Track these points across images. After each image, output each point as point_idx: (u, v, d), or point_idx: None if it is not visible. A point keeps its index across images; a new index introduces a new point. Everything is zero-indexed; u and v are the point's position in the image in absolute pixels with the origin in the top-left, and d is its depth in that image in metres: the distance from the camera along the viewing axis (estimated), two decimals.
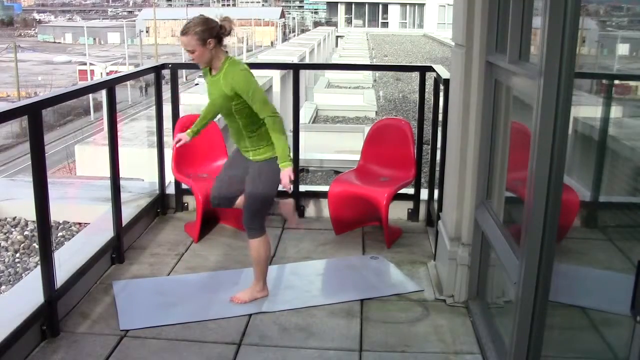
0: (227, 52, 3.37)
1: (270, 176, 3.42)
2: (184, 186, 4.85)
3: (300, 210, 4.95)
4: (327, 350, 3.17)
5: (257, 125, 3.38)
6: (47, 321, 3.16)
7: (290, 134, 4.80)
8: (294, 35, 62.47)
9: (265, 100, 3.30)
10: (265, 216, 3.56)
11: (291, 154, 3.43)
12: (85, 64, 44.76)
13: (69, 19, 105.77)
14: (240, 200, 3.62)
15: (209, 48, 3.24)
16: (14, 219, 5.43)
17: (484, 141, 3.37)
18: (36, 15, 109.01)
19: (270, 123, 3.29)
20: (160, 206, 4.93)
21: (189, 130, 3.65)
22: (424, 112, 4.86)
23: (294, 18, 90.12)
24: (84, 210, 5.21)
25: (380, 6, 61.74)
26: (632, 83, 2.79)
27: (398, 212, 4.83)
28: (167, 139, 4.94)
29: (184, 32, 3.23)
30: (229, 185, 3.62)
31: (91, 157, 8.54)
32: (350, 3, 62.45)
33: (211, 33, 3.23)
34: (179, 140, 3.63)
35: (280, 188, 3.46)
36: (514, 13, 2.91)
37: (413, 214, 4.91)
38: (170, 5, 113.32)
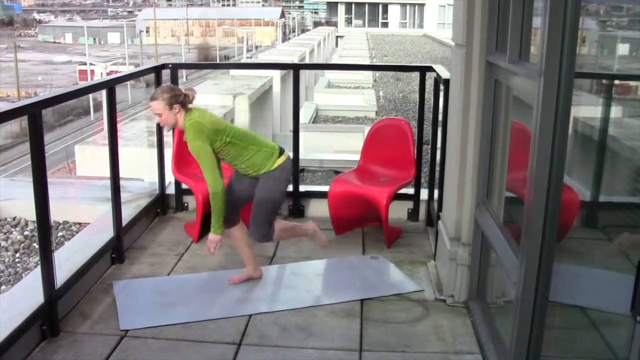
0: (189, 115, 3.53)
1: (280, 183, 3.65)
2: (184, 186, 4.85)
3: (300, 210, 4.95)
4: (327, 350, 3.17)
5: (247, 155, 3.58)
6: (47, 321, 3.16)
7: (290, 134, 4.80)
8: (294, 35, 62.48)
9: (208, 170, 3.52)
10: (272, 224, 3.72)
11: (221, 226, 3.59)
12: (85, 64, 44.76)
13: (69, 19, 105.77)
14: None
15: (174, 112, 3.51)
16: (14, 219, 5.43)
17: (484, 141, 3.37)
18: (36, 15, 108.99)
19: (211, 192, 3.53)
20: (160, 206, 4.93)
21: (214, 228, 3.60)
22: (424, 112, 4.86)
23: (294, 18, 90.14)
24: (84, 210, 5.21)
25: (380, 6, 61.73)
26: (632, 83, 2.79)
27: (398, 212, 4.83)
28: (167, 139, 4.95)
29: (153, 98, 3.54)
30: (239, 202, 3.78)
31: (91, 157, 8.54)
32: (350, 3, 62.43)
33: (177, 99, 3.51)
34: (216, 247, 3.64)
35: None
36: (514, 13, 2.91)
37: (413, 214, 4.91)
38: (170, 5, 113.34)
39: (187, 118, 3.52)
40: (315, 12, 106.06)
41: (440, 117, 4.31)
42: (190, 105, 3.56)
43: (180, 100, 3.51)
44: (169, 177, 4.93)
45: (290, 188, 5.06)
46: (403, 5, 61.45)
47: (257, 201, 3.65)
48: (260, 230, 3.68)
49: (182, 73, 27.95)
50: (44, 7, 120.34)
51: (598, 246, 2.68)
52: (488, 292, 3.45)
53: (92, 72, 41.93)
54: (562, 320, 2.72)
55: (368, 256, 4.28)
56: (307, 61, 23.12)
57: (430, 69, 4.82)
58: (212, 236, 3.60)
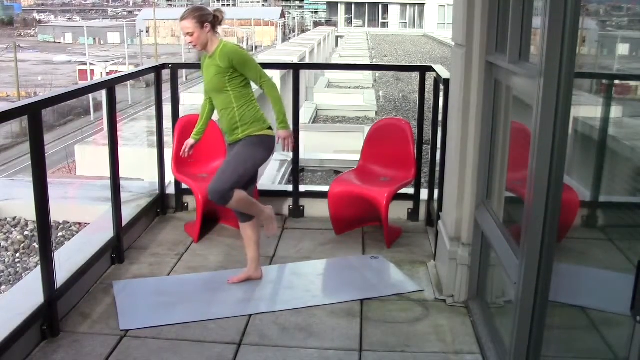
0: (220, 38, 3.64)
1: (258, 151, 3.65)
2: (184, 186, 4.85)
3: (300, 210, 4.95)
4: (327, 350, 3.17)
5: (246, 99, 3.62)
6: (47, 321, 3.16)
7: None
8: (294, 35, 62.48)
9: (260, 68, 3.61)
10: (234, 188, 3.63)
11: (286, 120, 3.63)
12: (85, 64, 44.76)
13: (69, 19, 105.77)
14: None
15: (205, 31, 3.55)
16: (14, 219, 5.43)
17: (484, 141, 3.37)
18: (36, 15, 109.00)
19: (268, 89, 3.60)
20: (160, 206, 4.93)
21: (193, 134, 3.84)
22: (424, 112, 4.86)
23: (294, 18, 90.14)
24: (84, 210, 5.21)
25: (380, 6, 61.75)
26: (632, 83, 2.79)
27: (398, 212, 4.83)
28: (167, 138, 4.95)
29: (183, 17, 3.55)
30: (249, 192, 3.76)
31: (91, 157, 8.55)
32: (350, 3, 62.45)
33: (207, 18, 3.55)
34: (189, 147, 3.82)
35: (284, 154, 3.64)
36: (514, 13, 2.91)
37: (413, 214, 4.91)
38: (170, 5, 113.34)
39: (223, 42, 3.58)
40: (315, 12, 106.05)
41: (440, 117, 4.31)
42: (219, 26, 3.59)
43: (211, 20, 3.54)
44: (169, 177, 4.93)
45: (290, 188, 5.08)
46: (403, 5, 61.47)
47: (229, 160, 3.65)
48: (220, 188, 3.56)
49: (182, 73, 27.92)
50: (44, 7, 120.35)
51: (598, 246, 2.68)
52: (488, 292, 3.45)
53: (92, 72, 41.95)
54: (562, 320, 2.72)
55: (368, 256, 4.28)
56: (307, 61, 23.13)
57: (430, 69, 4.82)
58: (283, 132, 3.62)
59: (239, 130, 3.64)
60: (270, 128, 3.70)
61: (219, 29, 3.65)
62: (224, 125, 3.71)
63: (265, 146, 3.67)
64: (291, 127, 3.70)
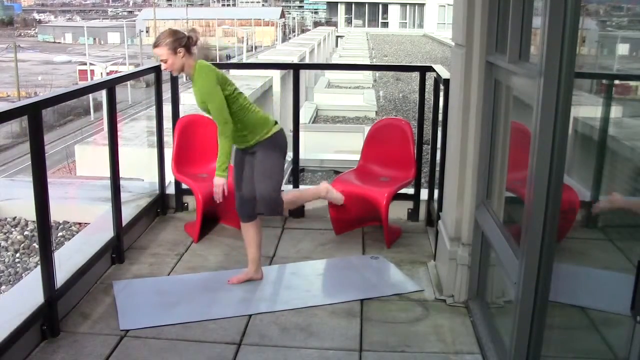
0: (195, 60, 3.57)
1: (278, 149, 3.67)
2: (184, 186, 4.85)
3: (300, 210, 4.95)
4: (327, 350, 3.17)
5: (243, 110, 3.59)
6: (47, 321, 3.16)
7: (290, 134, 4.80)
8: (294, 35, 62.47)
9: (222, 108, 3.49)
10: (279, 194, 3.73)
11: (226, 170, 3.55)
12: (85, 64, 44.75)
13: (69, 19, 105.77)
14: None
15: (179, 56, 3.50)
16: (14, 219, 5.43)
17: (484, 141, 3.37)
18: (36, 15, 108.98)
19: (219, 130, 3.51)
20: (160, 206, 4.93)
21: (218, 171, 3.56)
22: (424, 112, 4.86)
23: (294, 18, 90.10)
24: (84, 210, 5.21)
25: (380, 6, 61.74)
26: (632, 83, 2.79)
27: (398, 212, 4.83)
28: (167, 139, 4.95)
29: (156, 45, 3.52)
30: (249, 190, 3.75)
31: (91, 157, 8.54)
32: (350, 3, 62.44)
33: (180, 43, 3.49)
34: (222, 191, 3.58)
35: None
36: (514, 13, 2.91)
37: (413, 214, 4.91)
38: (170, 5, 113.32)
39: (196, 67, 3.51)
40: (315, 12, 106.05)
41: (440, 117, 4.31)
42: (195, 47, 3.55)
43: (184, 44, 3.49)
44: (169, 177, 4.93)
45: (290, 188, 5.08)
46: (403, 5, 61.46)
47: (259, 174, 3.63)
48: (270, 203, 3.64)
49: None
50: (44, 7, 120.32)
51: (598, 246, 2.68)
52: (488, 292, 3.45)
53: (92, 72, 41.94)
54: (562, 320, 2.72)
55: (368, 256, 4.28)
56: (307, 61, 23.12)
57: (430, 69, 4.82)
58: (216, 180, 3.54)
59: (247, 138, 3.63)
60: (276, 122, 3.70)
61: (195, 49, 3.58)
62: (233, 136, 3.67)
63: (280, 143, 3.68)
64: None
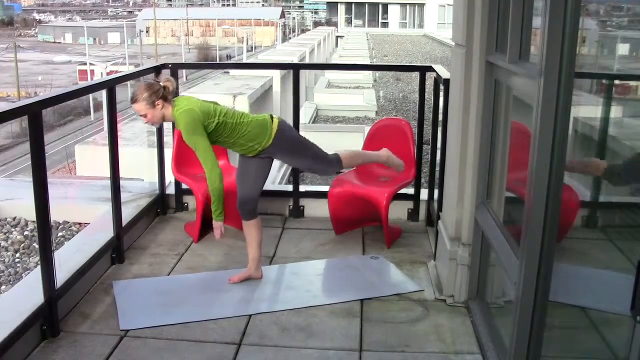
0: (174, 104, 3.55)
1: (290, 137, 3.74)
2: (184, 186, 4.85)
3: (300, 211, 4.95)
4: (327, 350, 3.17)
5: (239, 128, 3.59)
6: (47, 321, 3.16)
7: None
8: (294, 36, 62.48)
9: (204, 154, 3.50)
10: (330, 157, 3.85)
11: (222, 212, 3.61)
12: (85, 63, 44.74)
13: (69, 19, 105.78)
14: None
15: (158, 108, 3.52)
16: (14, 219, 5.43)
17: (484, 141, 3.37)
18: (36, 15, 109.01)
19: (207, 177, 3.55)
20: (160, 206, 4.93)
21: (215, 215, 3.61)
22: (424, 112, 4.86)
23: (294, 18, 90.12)
24: (84, 210, 5.21)
25: (380, 6, 61.73)
26: (632, 83, 2.79)
27: (398, 212, 4.83)
28: (167, 139, 4.95)
29: (134, 101, 3.53)
30: (253, 192, 3.81)
31: (91, 157, 8.54)
32: (350, 3, 62.44)
33: (157, 95, 3.51)
34: (220, 233, 3.65)
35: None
36: (514, 13, 2.91)
37: (413, 214, 4.91)
38: (170, 5, 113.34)
39: (175, 109, 3.51)
40: (315, 12, 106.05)
41: (440, 117, 4.30)
42: (172, 96, 3.56)
43: (161, 95, 3.50)
44: (169, 177, 4.93)
45: (290, 188, 5.08)
46: (403, 5, 61.46)
47: (295, 162, 3.87)
48: (325, 163, 3.80)
49: (182, 73, 27.96)
50: (44, 7, 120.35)
51: (598, 246, 2.68)
52: (488, 292, 3.45)
53: (92, 72, 41.93)
54: (562, 320, 2.72)
55: (368, 256, 4.28)
56: (307, 61, 23.12)
57: (430, 69, 4.82)
58: (214, 223, 3.61)
59: (255, 147, 3.65)
60: (272, 117, 3.70)
61: (171, 95, 3.59)
62: (237, 152, 3.75)
63: (287, 131, 3.72)
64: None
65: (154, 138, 4.93)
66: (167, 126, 4.88)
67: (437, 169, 4.41)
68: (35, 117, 3.01)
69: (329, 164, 3.84)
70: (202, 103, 3.58)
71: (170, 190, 5.00)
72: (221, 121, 3.53)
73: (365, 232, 4.66)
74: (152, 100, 3.48)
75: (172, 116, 3.54)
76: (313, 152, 3.80)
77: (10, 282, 4.69)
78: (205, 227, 4.56)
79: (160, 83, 3.54)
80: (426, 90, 4.82)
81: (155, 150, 4.93)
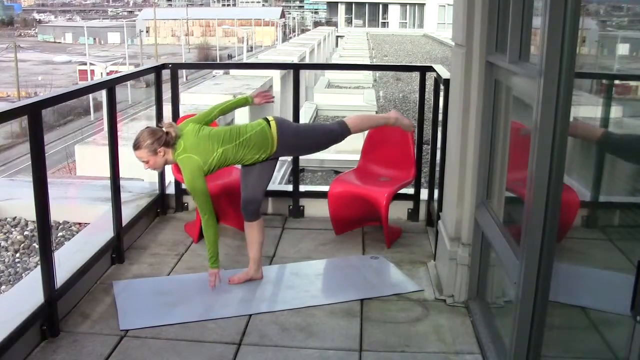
0: (175, 148, 3.58)
1: (293, 134, 3.75)
2: (184, 186, 4.84)
3: (300, 211, 4.95)
4: (327, 350, 3.17)
5: (246, 145, 3.61)
6: (47, 321, 3.16)
7: None
8: (294, 36, 62.49)
9: (204, 202, 3.54)
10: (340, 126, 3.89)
11: (217, 260, 3.64)
12: (85, 63, 44.76)
13: (69, 19, 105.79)
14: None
15: (160, 155, 3.55)
16: (14, 219, 5.43)
17: (484, 141, 3.37)
18: (36, 15, 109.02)
19: (203, 225, 3.58)
20: (160, 206, 4.93)
21: (210, 262, 3.65)
22: (424, 112, 4.86)
23: (294, 18, 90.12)
24: (84, 210, 5.21)
25: (380, 6, 61.74)
26: (632, 83, 2.79)
27: (398, 212, 4.83)
28: None
29: (136, 147, 3.55)
30: (257, 194, 3.80)
31: (91, 157, 8.54)
32: (350, 3, 62.45)
33: (160, 143, 3.52)
34: (215, 279, 3.70)
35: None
36: (514, 13, 2.91)
37: (413, 214, 4.91)
38: (170, 5, 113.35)
39: (175, 153, 3.55)
40: (315, 12, 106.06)
41: (440, 117, 4.30)
42: (174, 141, 3.56)
43: (164, 142, 3.53)
44: (169, 177, 4.93)
45: (290, 188, 5.08)
46: (403, 5, 61.46)
47: (303, 151, 4.00)
48: (334, 139, 3.86)
49: (182, 73, 27.95)
50: (44, 7, 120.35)
51: (598, 246, 2.68)
52: (488, 292, 3.45)
53: (92, 72, 41.94)
54: (562, 320, 2.72)
55: (368, 256, 4.28)
56: (307, 61, 23.14)
57: (430, 69, 4.82)
58: (210, 271, 3.66)
59: (262, 156, 3.68)
60: (268, 121, 3.70)
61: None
62: (248, 164, 3.75)
63: (285, 131, 3.70)
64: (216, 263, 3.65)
65: None
66: None
67: (437, 169, 4.41)
68: (35, 117, 3.01)
69: (338, 135, 3.85)
70: (200, 141, 3.55)
71: (170, 190, 5.00)
72: (220, 153, 3.57)
73: (365, 232, 4.66)
74: (154, 148, 3.51)
75: (173, 160, 3.59)
76: (317, 134, 3.89)
77: (10, 282, 4.69)
78: None
79: (163, 129, 3.55)
80: (426, 90, 4.81)
81: None
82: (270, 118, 3.74)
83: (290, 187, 5.12)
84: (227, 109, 3.87)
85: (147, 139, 3.51)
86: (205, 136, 3.59)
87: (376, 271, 4.08)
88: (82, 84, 4.91)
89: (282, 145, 3.68)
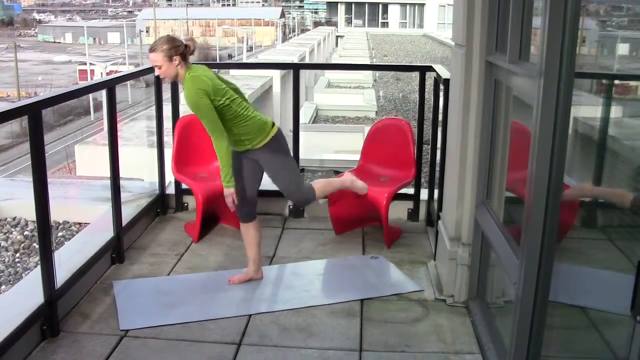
0: (190, 68, 3.52)
1: (281, 149, 3.69)
2: (184, 186, 4.85)
3: (300, 210, 4.95)
4: (327, 350, 3.17)
5: (240, 116, 3.54)
6: (47, 321, 3.16)
7: (290, 134, 4.80)
8: (294, 35, 62.48)
9: (210, 124, 3.45)
10: (305, 186, 3.85)
11: (232, 179, 3.59)
12: (85, 63, 44.75)
13: (69, 19, 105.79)
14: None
15: (174, 64, 3.47)
16: (14, 219, 5.43)
17: (484, 141, 3.37)
18: (36, 15, 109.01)
19: (214, 144, 3.50)
20: (160, 206, 4.93)
21: (225, 182, 3.60)
22: (424, 112, 4.86)
23: (294, 18, 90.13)
24: (84, 210, 5.21)
25: (380, 6, 61.73)
26: (632, 83, 2.79)
27: (398, 212, 4.83)
28: (167, 139, 4.95)
29: (152, 50, 3.48)
30: (253, 193, 3.78)
31: (91, 157, 8.54)
32: (350, 3, 62.44)
33: (177, 51, 3.46)
34: (233, 200, 3.64)
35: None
36: (514, 13, 2.91)
37: (413, 214, 4.91)
38: (170, 5, 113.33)
39: (188, 72, 3.48)
40: (315, 12, 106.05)
41: (440, 117, 4.31)
42: (191, 61, 3.52)
43: (181, 52, 3.46)
44: (169, 177, 4.93)
45: None
46: (403, 5, 61.45)
47: (274, 175, 3.71)
48: (298, 196, 3.82)
49: None
50: (44, 7, 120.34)
51: (598, 246, 2.68)
52: (488, 292, 3.45)
53: (92, 72, 41.94)
54: (562, 320, 2.72)
55: (368, 256, 4.28)
56: (307, 61, 23.14)
57: (430, 68, 4.82)
58: (225, 191, 3.59)
59: (245, 143, 3.61)
60: (273, 124, 3.68)
61: (191, 58, 3.57)
62: (231, 140, 3.64)
63: (281, 142, 3.68)
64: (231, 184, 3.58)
65: (154, 138, 4.93)
66: (167, 126, 4.89)
67: (437, 169, 4.41)
68: (35, 117, 3.01)
69: (303, 194, 3.81)
70: (216, 79, 3.53)
71: (170, 190, 5.00)
72: (226, 104, 3.48)
73: (365, 232, 4.66)
74: (171, 55, 3.43)
75: (183, 76, 3.48)
76: (293, 175, 3.78)
77: (10, 282, 4.69)
78: (206, 227, 4.57)
79: (183, 40, 3.51)
80: (426, 90, 4.82)
81: (155, 150, 4.92)
82: (276, 124, 3.70)
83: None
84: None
85: (165, 44, 3.44)
86: (220, 84, 3.52)
87: (376, 271, 4.08)
88: (82, 84, 4.91)
89: (265, 149, 3.60)
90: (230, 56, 60.22)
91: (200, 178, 4.61)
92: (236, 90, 3.70)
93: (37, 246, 4.13)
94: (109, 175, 4.03)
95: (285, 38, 65.51)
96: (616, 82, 2.85)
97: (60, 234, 5.16)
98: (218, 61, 51.76)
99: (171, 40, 3.47)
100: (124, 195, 4.22)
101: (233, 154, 3.70)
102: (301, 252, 4.34)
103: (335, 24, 62.52)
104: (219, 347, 3.17)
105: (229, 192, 3.59)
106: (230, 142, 3.58)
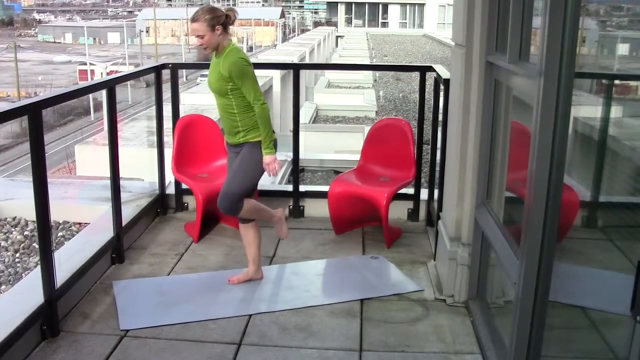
0: (231, 40, 3.60)
1: (258, 156, 3.59)
2: (184, 186, 4.85)
3: (300, 210, 4.95)
4: (327, 350, 3.17)
5: (249, 107, 3.55)
6: (47, 321, 3.16)
7: (290, 134, 4.80)
8: (294, 35, 62.49)
9: (255, 89, 3.53)
10: (244, 198, 3.68)
11: (271, 144, 3.58)
12: (85, 63, 44.76)
13: (69, 19, 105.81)
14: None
15: (216, 34, 3.49)
16: (14, 219, 5.43)
17: (484, 141, 3.37)
18: (36, 15, 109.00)
19: (258, 111, 3.53)
20: (160, 206, 4.93)
21: (266, 148, 3.60)
22: (424, 112, 4.86)
23: (294, 18, 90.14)
24: (84, 210, 5.21)
25: (380, 6, 61.77)
26: (632, 83, 2.79)
27: (398, 212, 4.83)
28: (167, 139, 4.95)
29: (195, 19, 3.49)
30: (231, 182, 3.69)
31: (91, 157, 8.55)
32: (350, 3, 62.48)
33: (219, 20, 3.48)
34: (274, 166, 3.62)
35: (266, 176, 3.65)
36: (514, 13, 2.91)
37: (413, 214, 4.91)
38: (170, 5, 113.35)
39: (231, 46, 3.54)
40: (315, 12, 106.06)
41: (440, 117, 4.31)
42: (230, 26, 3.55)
43: (222, 22, 3.48)
44: (169, 177, 4.93)
45: (290, 188, 5.08)
46: (403, 5, 61.50)
47: (235, 170, 3.62)
48: (230, 200, 3.60)
49: (182, 73, 27.93)
50: (44, 7, 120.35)
51: (598, 246, 2.68)
52: (488, 292, 3.45)
53: (92, 72, 41.94)
54: (562, 320, 2.72)
55: (368, 256, 4.28)
56: (307, 61, 23.17)
57: (430, 69, 4.82)
58: (266, 158, 3.57)
59: (240, 134, 3.61)
60: (272, 132, 3.65)
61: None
62: (224, 126, 3.69)
63: (259, 153, 3.60)
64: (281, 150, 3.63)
65: (154, 138, 4.93)
66: (167, 126, 4.89)
67: (437, 169, 4.41)
68: (35, 117, 3.01)
69: (233, 203, 3.61)
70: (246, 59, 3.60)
71: (170, 190, 5.00)
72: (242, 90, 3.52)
73: (365, 232, 4.66)
74: (213, 24, 3.45)
75: (224, 49, 3.52)
76: (244, 184, 3.62)
77: (10, 282, 4.69)
78: (206, 227, 4.57)
79: (224, 10, 3.53)
80: (426, 90, 4.82)
81: (155, 150, 4.92)
82: (274, 133, 3.67)
83: (290, 187, 5.12)
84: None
85: (207, 13, 3.45)
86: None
87: (376, 271, 4.08)
88: (82, 84, 4.92)
89: (251, 147, 3.58)
90: None
91: (200, 178, 4.61)
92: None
93: (37, 246, 4.13)
94: (109, 175, 4.03)
95: (285, 38, 65.51)
96: (616, 82, 2.85)
97: (60, 234, 5.16)
98: None
99: (213, 10, 3.49)
100: (124, 195, 4.22)
101: (227, 148, 3.71)
102: (301, 252, 4.34)
103: (335, 24, 62.58)
104: (219, 347, 3.17)
105: (271, 159, 3.58)
106: (225, 128, 3.64)
